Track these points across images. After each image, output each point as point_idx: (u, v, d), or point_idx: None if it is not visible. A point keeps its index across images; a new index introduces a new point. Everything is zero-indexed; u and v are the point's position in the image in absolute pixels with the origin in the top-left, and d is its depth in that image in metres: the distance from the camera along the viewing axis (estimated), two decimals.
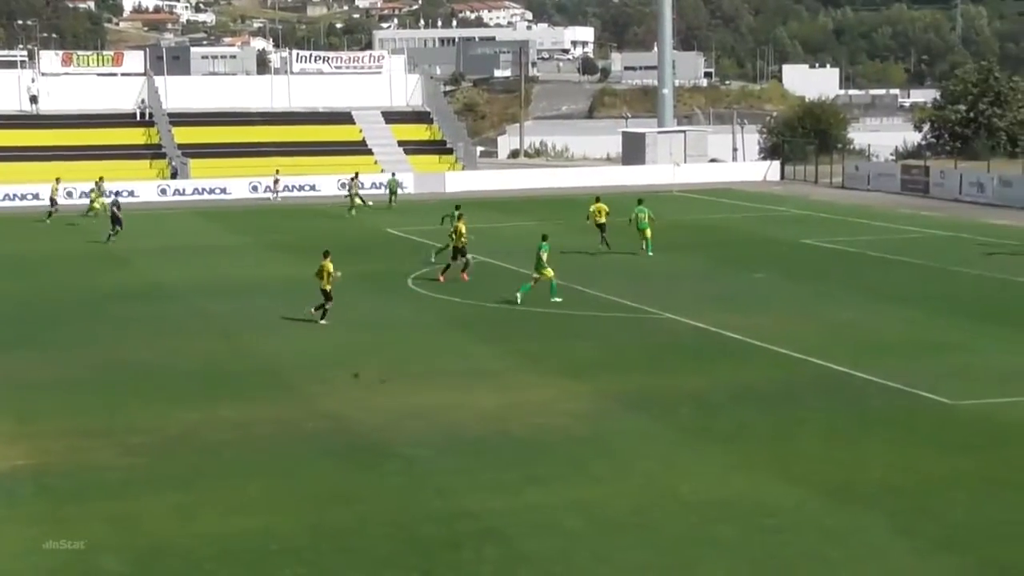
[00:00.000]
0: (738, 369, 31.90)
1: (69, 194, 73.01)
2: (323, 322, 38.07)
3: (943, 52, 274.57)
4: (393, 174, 76.74)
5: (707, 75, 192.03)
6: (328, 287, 37.99)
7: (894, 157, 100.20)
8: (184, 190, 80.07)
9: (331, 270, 37.95)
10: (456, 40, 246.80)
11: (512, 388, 30.18)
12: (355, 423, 27.48)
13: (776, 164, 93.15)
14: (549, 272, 40.85)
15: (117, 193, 68.51)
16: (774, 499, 21.93)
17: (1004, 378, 30.43)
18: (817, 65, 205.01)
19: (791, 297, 42.39)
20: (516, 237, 57.30)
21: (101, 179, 71.34)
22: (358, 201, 70.24)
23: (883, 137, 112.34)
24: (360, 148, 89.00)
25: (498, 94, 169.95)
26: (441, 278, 45.60)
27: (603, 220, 52.23)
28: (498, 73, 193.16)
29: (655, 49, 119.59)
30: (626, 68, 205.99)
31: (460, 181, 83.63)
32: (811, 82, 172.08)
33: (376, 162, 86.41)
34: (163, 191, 79.93)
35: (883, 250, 51.79)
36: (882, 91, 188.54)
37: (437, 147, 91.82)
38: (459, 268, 45.68)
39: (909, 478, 22.97)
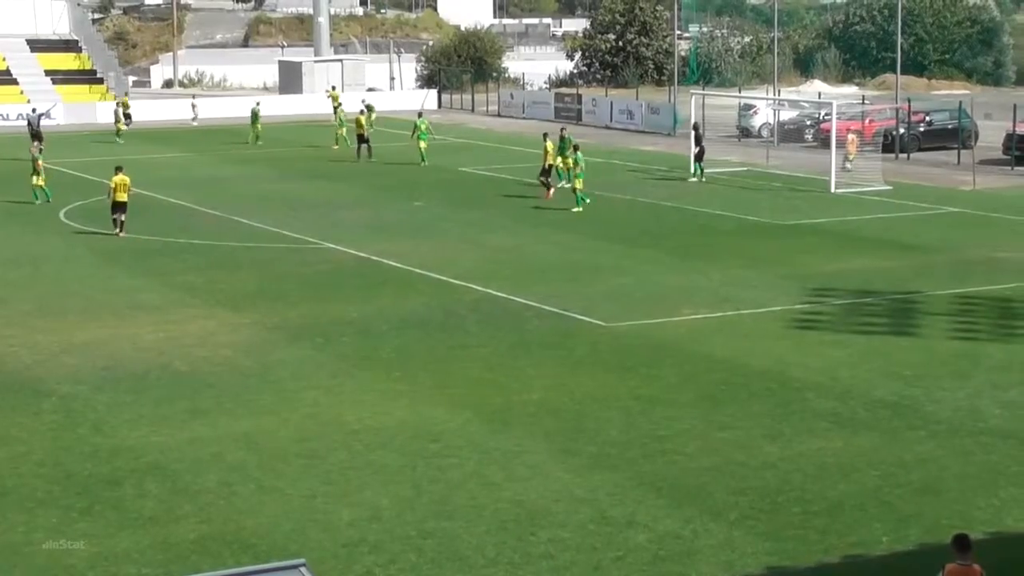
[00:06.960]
0: (399, 297, 32.16)
1: None
2: (123, 235, 39.98)
3: None
4: (257, 103, 72.78)
5: (363, 3, 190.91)
6: (125, 198, 40.07)
7: (548, 85, 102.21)
8: None
9: (128, 183, 40.12)
10: None
11: (173, 321, 29.71)
12: (8, 361, 26.62)
13: (433, 93, 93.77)
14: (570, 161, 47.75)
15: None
16: (437, 424, 22.24)
17: (654, 300, 31.51)
18: None
19: (451, 224, 42.87)
20: (170, 167, 56.17)
21: None
22: (343, 131, 66.65)
23: (537, 66, 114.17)
24: (4, 78, 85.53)
25: (149, 22, 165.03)
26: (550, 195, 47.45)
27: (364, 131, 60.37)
28: (148, 0, 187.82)
29: None
30: None
31: (112, 112, 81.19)
32: (466, 11, 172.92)
33: (22, 92, 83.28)
34: None
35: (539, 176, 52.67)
36: (535, 20, 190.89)
37: (87, 77, 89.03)
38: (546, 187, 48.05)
39: (567, 399, 23.61)
